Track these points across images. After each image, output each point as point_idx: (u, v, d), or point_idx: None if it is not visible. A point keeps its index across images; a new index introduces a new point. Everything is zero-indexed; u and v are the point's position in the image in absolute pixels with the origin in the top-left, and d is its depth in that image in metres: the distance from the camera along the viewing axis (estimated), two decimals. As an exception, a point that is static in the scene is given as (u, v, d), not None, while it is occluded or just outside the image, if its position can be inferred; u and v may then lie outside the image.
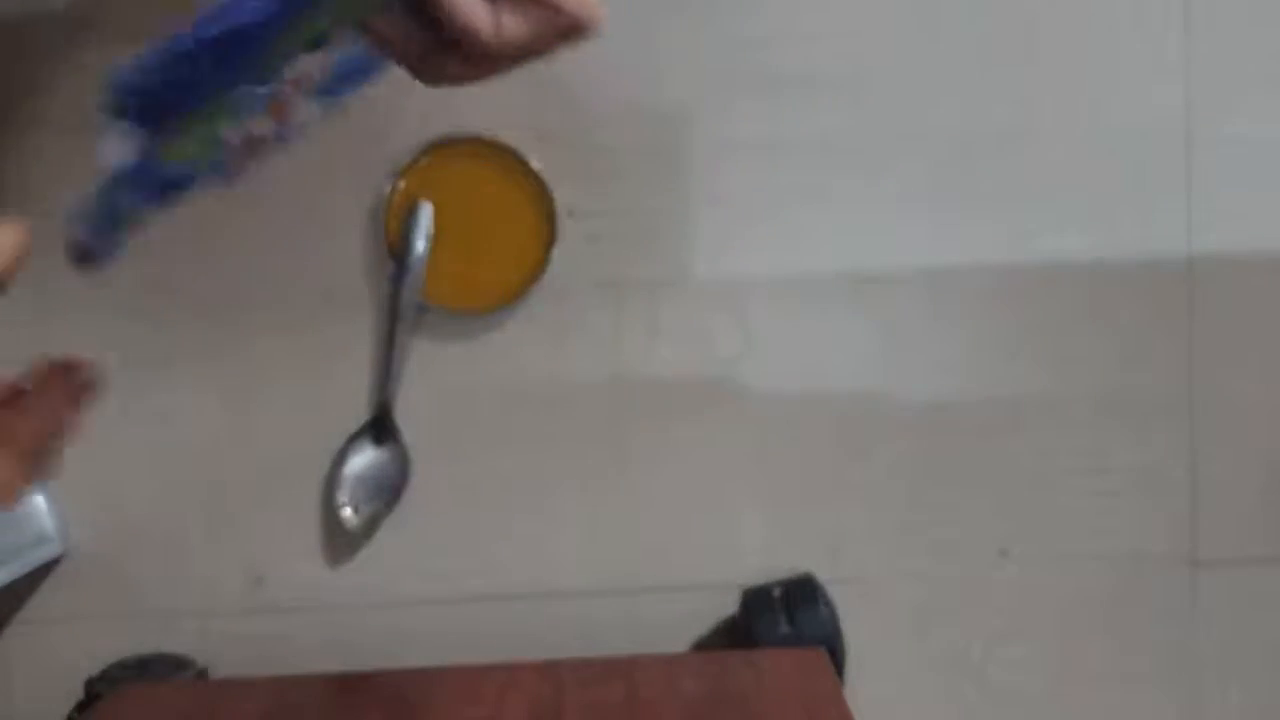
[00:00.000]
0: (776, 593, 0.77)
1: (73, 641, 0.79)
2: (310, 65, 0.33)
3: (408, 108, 0.77)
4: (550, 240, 0.77)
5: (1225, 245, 0.80)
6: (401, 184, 0.77)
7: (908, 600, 0.81)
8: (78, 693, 0.75)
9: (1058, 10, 0.79)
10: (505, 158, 0.77)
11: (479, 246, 0.77)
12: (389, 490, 0.78)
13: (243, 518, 0.79)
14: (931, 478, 0.81)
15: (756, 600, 0.77)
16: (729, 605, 0.79)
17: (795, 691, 0.66)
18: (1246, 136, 0.80)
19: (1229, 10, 0.79)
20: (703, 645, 0.80)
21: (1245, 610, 0.82)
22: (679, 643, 0.81)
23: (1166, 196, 0.80)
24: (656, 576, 0.80)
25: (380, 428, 0.78)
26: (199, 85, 0.28)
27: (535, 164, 0.77)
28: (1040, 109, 0.79)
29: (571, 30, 0.43)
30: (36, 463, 0.37)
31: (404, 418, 0.78)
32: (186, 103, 0.29)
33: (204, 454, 0.79)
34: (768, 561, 0.80)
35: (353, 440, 0.78)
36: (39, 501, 0.77)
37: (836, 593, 0.78)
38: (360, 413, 0.78)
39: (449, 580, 0.80)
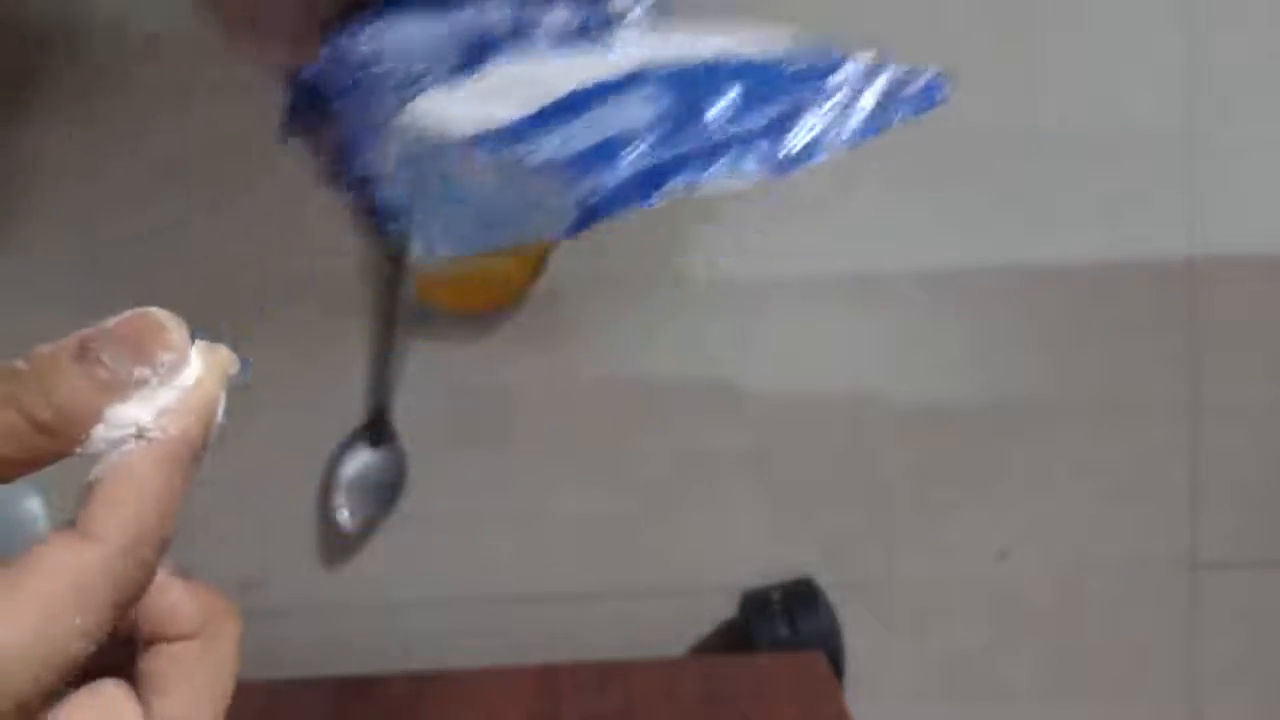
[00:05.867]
0: (776, 596, 0.77)
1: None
2: None
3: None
4: (549, 242, 0.76)
5: (1226, 247, 0.80)
6: (398, 185, 0.77)
7: (907, 603, 0.81)
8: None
9: (1060, 14, 0.79)
10: (503, 158, 0.77)
11: (476, 248, 0.77)
12: (386, 493, 0.78)
13: (239, 520, 0.78)
14: (931, 480, 0.81)
15: (756, 603, 0.77)
16: (728, 608, 0.79)
17: (794, 695, 0.66)
18: (1247, 139, 0.79)
19: (1229, 15, 0.79)
20: (701, 648, 0.80)
21: (1245, 612, 0.82)
22: (678, 646, 0.80)
23: (1167, 198, 0.80)
24: (655, 579, 0.80)
25: (377, 430, 0.78)
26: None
27: (533, 165, 0.77)
28: (1042, 111, 0.79)
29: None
30: None
31: (401, 420, 0.78)
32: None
33: (200, 456, 0.79)
34: (767, 564, 0.80)
35: (349, 443, 0.78)
36: (35, 505, 0.77)
37: (836, 596, 0.78)
38: (357, 415, 0.78)
39: (446, 583, 0.80)
